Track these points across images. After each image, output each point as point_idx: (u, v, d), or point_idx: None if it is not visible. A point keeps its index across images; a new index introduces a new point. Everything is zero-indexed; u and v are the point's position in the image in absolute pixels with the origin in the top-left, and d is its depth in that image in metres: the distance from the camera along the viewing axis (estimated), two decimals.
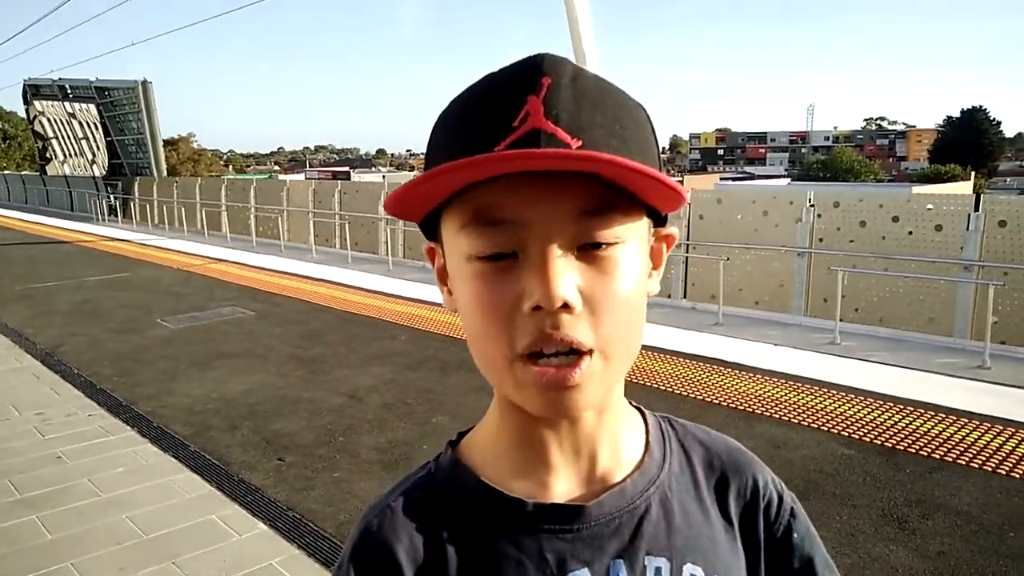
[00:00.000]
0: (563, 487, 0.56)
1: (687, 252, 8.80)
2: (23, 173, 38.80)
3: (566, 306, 0.47)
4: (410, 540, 0.56)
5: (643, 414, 0.63)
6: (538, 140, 0.46)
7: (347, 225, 15.43)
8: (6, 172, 42.07)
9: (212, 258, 12.58)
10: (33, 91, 30.91)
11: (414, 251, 14.65)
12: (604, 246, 0.48)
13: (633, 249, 0.50)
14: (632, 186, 0.47)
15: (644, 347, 3.57)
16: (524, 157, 0.44)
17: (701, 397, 5.12)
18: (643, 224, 0.52)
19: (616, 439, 0.58)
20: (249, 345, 6.71)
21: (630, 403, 0.62)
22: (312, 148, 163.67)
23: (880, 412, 4.73)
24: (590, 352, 0.48)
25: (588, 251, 0.48)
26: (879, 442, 4.26)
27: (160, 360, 6.26)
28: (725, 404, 4.96)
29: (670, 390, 5.29)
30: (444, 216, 0.52)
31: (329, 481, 3.93)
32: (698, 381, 5.48)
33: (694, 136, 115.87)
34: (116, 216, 24.36)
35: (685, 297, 8.79)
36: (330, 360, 6.22)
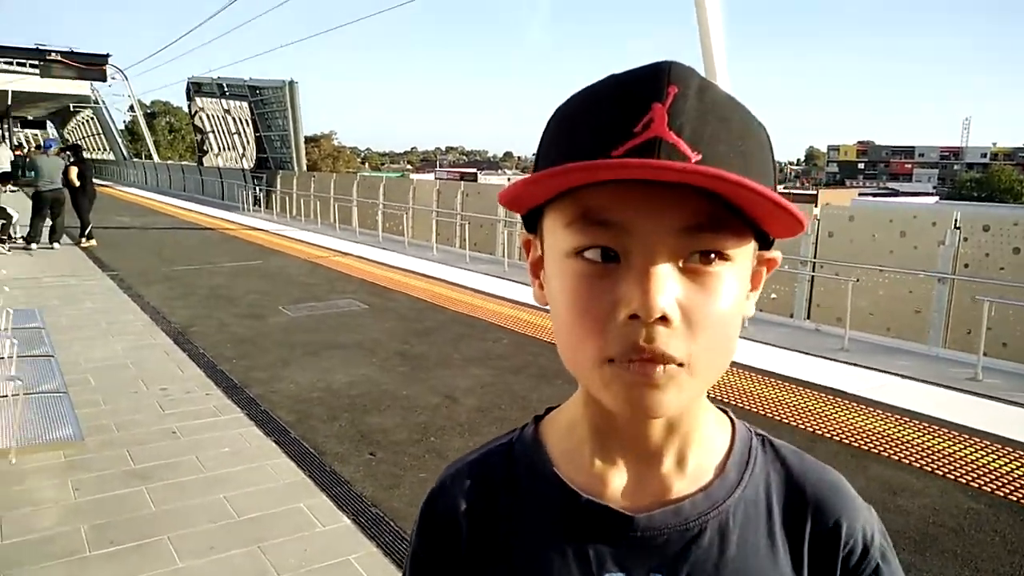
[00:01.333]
0: (623, 490, 0.57)
1: (813, 271, 8.26)
2: (183, 163, 42.47)
3: (664, 318, 0.47)
4: (472, 503, 0.61)
5: (734, 432, 0.61)
6: (657, 149, 0.45)
7: (467, 225, 15.75)
8: (169, 162, 46.22)
9: (338, 251, 13.18)
10: (195, 88, 33.75)
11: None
12: (709, 263, 0.49)
13: (737, 269, 0.50)
14: (748, 207, 0.46)
15: (755, 369, 3.35)
16: (646, 167, 0.44)
17: (811, 428, 4.76)
18: (750, 245, 0.51)
19: (685, 453, 0.57)
20: (359, 338, 6.93)
21: (728, 417, 0.62)
22: (443, 149, 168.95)
23: (1020, 464, 4.20)
24: (679, 364, 0.48)
25: (692, 266, 0.48)
26: (1015, 498, 3.77)
27: (276, 346, 6.59)
28: (838, 439, 4.58)
29: (779, 418, 4.95)
30: (549, 210, 0.52)
31: (415, 481, 3.95)
32: (811, 411, 5.09)
33: (833, 148, 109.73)
34: (259, 207, 26.14)
35: (808, 318, 8.25)
36: (433, 359, 6.31)
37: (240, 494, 3.66)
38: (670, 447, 0.57)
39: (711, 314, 0.48)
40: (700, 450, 0.58)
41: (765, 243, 0.53)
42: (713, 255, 0.48)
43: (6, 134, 42.11)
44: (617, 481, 0.57)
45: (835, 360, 6.59)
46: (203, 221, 18.73)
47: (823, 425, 4.83)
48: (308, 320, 7.69)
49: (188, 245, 14.13)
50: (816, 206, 9.99)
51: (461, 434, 4.60)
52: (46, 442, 2.85)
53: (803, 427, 4.80)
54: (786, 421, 4.91)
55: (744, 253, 0.50)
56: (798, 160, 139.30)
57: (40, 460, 3.76)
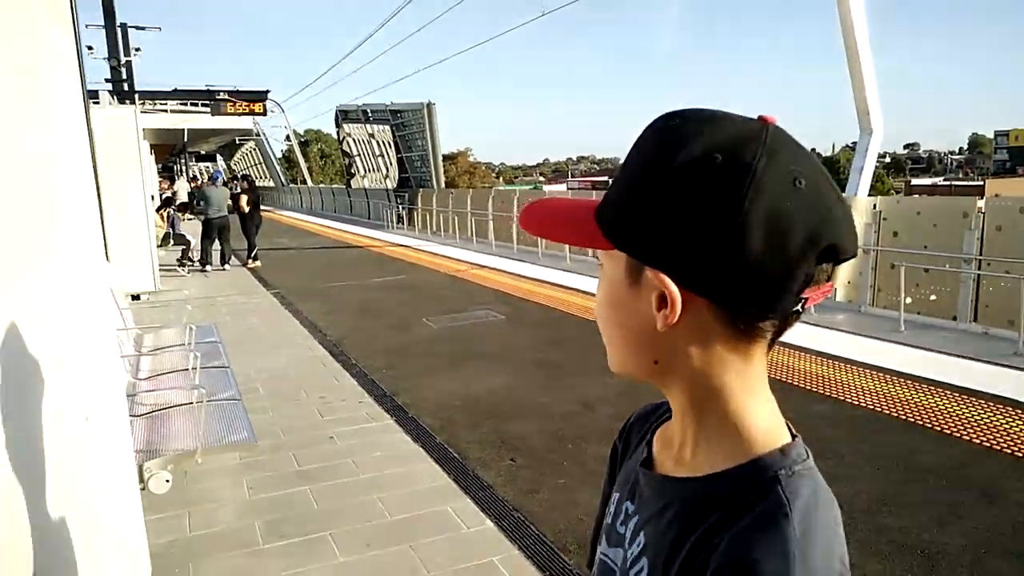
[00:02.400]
0: (658, 452, 0.74)
1: (979, 268, 7.55)
2: (333, 186, 45.46)
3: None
4: (631, 426, 0.87)
5: (759, 458, 0.62)
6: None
7: None
8: (321, 185, 49.64)
9: (476, 264, 13.61)
10: (343, 116, 35.99)
11: None
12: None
13: (606, 271, 0.68)
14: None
15: (915, 377, 3.19)
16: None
17: (982, 442, 4.36)
18: (617, 255, 0.65)
19: (691, 444, 0.67)
20: (497, 348, 7.14)
21: (779, 439, 0.65)
22: (575, 159, 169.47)
23: None
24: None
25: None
26: None
27: (421, 356, 6.93)
28: (1012, 452, 4.17)
29: (941, 429, 4.58)
30: None
31: (555, 487, 4.04)
32: (981, 422, 4.67)
33: (1001, 134, 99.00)
34: (402, 224, 27.45)
35: (975, 320, 7.54)
36: (568, 367, 6.38)
37: (391, 495, 3.90)
38: (682, 434, 0.68)
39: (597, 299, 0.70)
40: (705, 448, 0.66)
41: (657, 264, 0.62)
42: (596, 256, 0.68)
43: (183, 168, 47.12)
44: (659, 446, 0.74)
45: (1009, 366, 5.99)
46: (352, 240, 19.96)
47: (996, 438, 4.42)
48: (449, 331, 8.01)
49: (339, 263, 15.12)
50: (982, 197, 9.11)
51: (599, 441, 4.63)
52: (226, 444, 3.19)
53: (973, 440, 4.42)
54: (950, 432, 4.54)
55: (611, 260, 0.66)
56: (960, 149, 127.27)
57: (219, 461, 4.20)
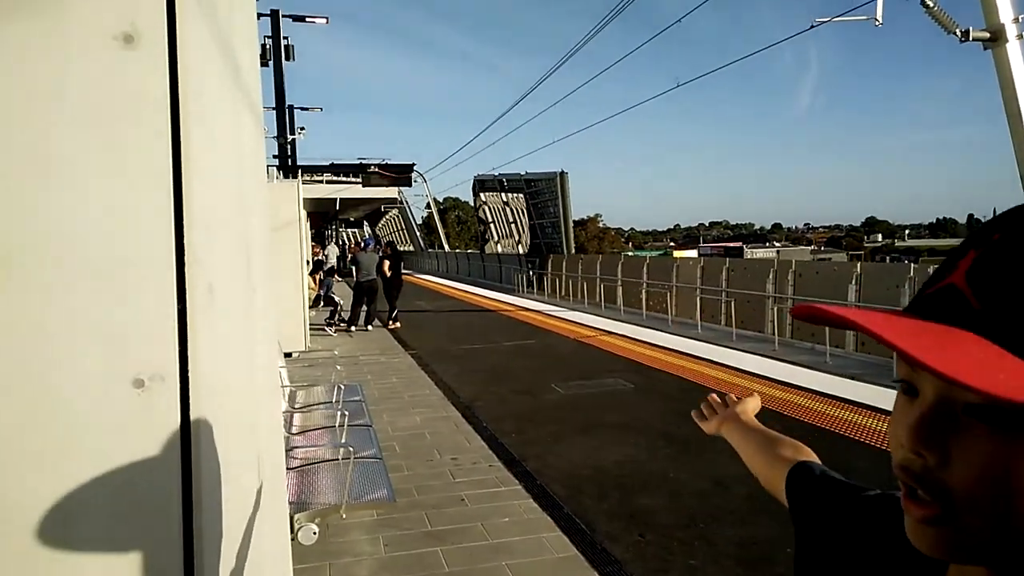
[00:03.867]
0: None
1: None
2: (468, 252, 47.23)
3: (920, 454, 0.48)
4: (819, 498, 0.82)
5: None
6: (947, 297, 0.47)
7: (733, 302, 15.30)
8: (457, 251, 51.71)
9: (604, 330, 13.61)
10: (480, 185, 37.64)
11: (802, 330, 13.82)
12: (972, 421, 0.46)
13: (1007, 437, 0.45)
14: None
15: None
16: (887, 331, 0.43)
17: None
18: None
19: None
20: (626, 417, 7.08)
21: None
22: (706, 224, 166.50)
23: None
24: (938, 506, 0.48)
25: (966, 418, 0.46)
26: None
27: (549, 422, 7.00)
28: None
29: None
30: None
31: (684, 567, 3.93)
32: None
33: None
34: (532, 288, 27.98)
35: None
36: (699, 442, 6.21)
37: (520, 563, 3.95)
38: None
39: (965, 472, 0.46)
40: None
41: None
42: (977, 412, 0.45)
43: (333, 233, 50.84)
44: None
45: None
46: (484, 303, 20.57)
47: None
48: (577, 398, 8.05)
49: (472, 325, 15.62)
50: None
51: (733, 523, 4.47)
52: (367, 501, 3.40)
53: None
54: None
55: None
56: None
57: (358, 516, 4.44)
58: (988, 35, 10.89)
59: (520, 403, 7.87)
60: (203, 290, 1.24)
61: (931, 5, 11.07)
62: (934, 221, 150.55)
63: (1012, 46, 10.72)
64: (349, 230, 63.50)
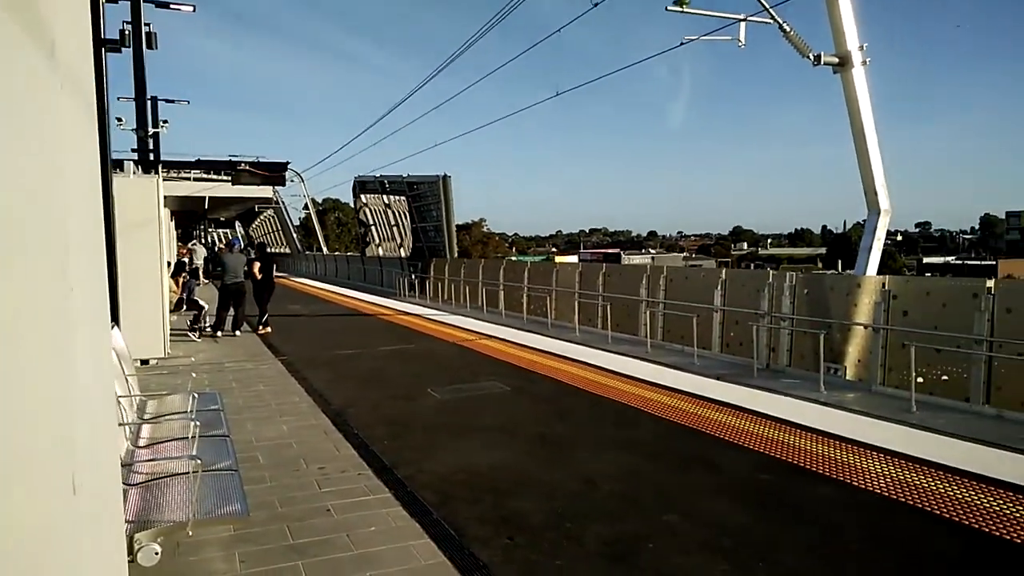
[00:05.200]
0: None
1: (989, 350, 7.49)
2: (348, 254, 46.13)
3: None
4: None
5: None
6: None
7: (609, 306, 15.76)
8: (336, 253, 50.37)
9: (484, 334, 13.62)
10: (361, 186, 36.81)
11: (672, 333, 14.43)
12: None
13: None
14: None
15: (924, 462, 3.22)
16: None
17: (1010, 535, 4.24)
18: None
19: None
20: (502, 420, 7.08)
21: None
22: (587, 231, 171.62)
23: None
24: None
25: None
26: None
27: (425, 428, 6.88)
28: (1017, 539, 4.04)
29: (969, 523, 4.46)
30: None
31: (551, 568, 3.94)
32: (1006, 515, 4.54)
33: (1012, 214, 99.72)
34: (415, 292, 27.66)
35: (988, 402, 7.42)
36: (573, 442, 6.31)
37: (385, 572, 3.82)
38: None
39: None
40: None
41: None
42: None
43: (203, 234, 48.11)
44: None
45: (1021, 451, 5.86)
46: (363, 307, 20.09)
47: (1006, 526, 4.29)
48: (454, 402, 7.97)
49: (349, 330, 15.19)
50: (993, 278, 9.10)
51: (600, 520, 4.53)
52: (218, 517, 3.16)
53: (1004, 536, 4.29)
54: (979, 527, 4.41)
55: None
56: (972, 228, 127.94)
57: (214, 532, 4.15)
58: (837, 60, 11.84)
59: (395, 409, 7.69)
60: None
61: (788, 31, 11.91)
62: (793, 231, 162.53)
63: (857, 71, 11.71)
64: (220, 230, 60.29)
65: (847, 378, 9.99)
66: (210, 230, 55.97)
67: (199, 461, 3.28)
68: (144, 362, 10.30)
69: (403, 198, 33.30)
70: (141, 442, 4.43)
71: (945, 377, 8.21)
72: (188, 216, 44.71)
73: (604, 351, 11.75)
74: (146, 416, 4.99)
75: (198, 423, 4.25)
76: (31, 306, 1.38)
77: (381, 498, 4.96)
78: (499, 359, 10.73)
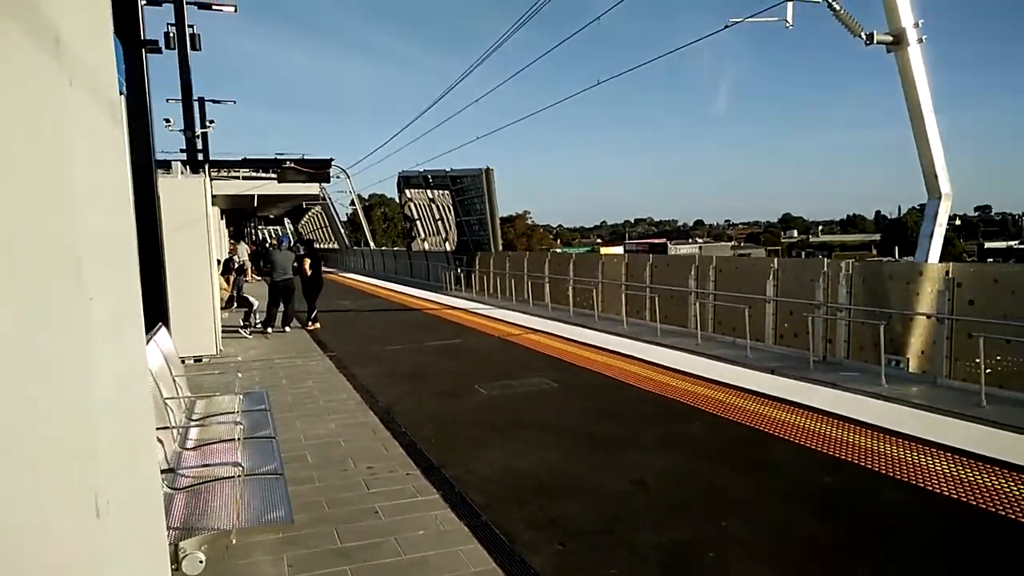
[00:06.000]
0: None
1: None
2: (395, 249, 46.51)
3: None
4: None
5: None
6: None
7: (657, 298, 15.46)
8: (383, 248, 50.84)
9: (530, 328, 13.49)
10: (405, 181, 37.03)
11: (723, 324, 14.07)
12: None
13: None
14: None
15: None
16: None
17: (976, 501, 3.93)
18: None
19: None
20: (548, 418, 6.94)
21: None
22: (632, 221, 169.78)
23: None
24: None
25: None
26: None
27: (471, 426, 6.79)
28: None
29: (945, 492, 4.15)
30: None
31: None
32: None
33: None
34: (460, 286, 27.72)
35: None
36: (621, 441, 6.13)
37: None
38: None
39: None
40: None
41: None
42: None
43: (253, 231, 49.11)
44: None
45: None
46: (409, 302, 20.16)
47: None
48: (501, 399, 7.86)
49: (396, 325, 15.24)
50: None
51: (653, 526, 4.36)
52: (261, 524, 3.10)
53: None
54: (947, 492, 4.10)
55: None
56: None
57: (261, 535, 4.11)
58: (891, 38, 11.31)
59: (442, 406, 7.62)
60: None
61: (838, 8, 11.41)
62: (845, 217, 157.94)
63: (913, 49, 11.16)
64: (270, 227, 61.52)
65: (910, 370, 9.57)
66: (260, 227, 57.12)
67: (242, 467, 3.23)
68: (197, 359, 10.49)
69: (447, 192, 33.37)
70: (189, 443, 4.43)
71: (1016, 369, 7.77)
72: (238, 214, 45.63)
73: (652, 344, 11.51)
74: (194, 417, 5.00)
75: (244, 425, 4.23)
76: (32, 320, 1.29)
77: (429, 499, 4.88)
78: (545, 354, 10.58)
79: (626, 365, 9.41)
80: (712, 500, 4.76)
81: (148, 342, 4.71)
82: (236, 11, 20.31)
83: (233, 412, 4.96)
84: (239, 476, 3.50)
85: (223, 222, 25.75)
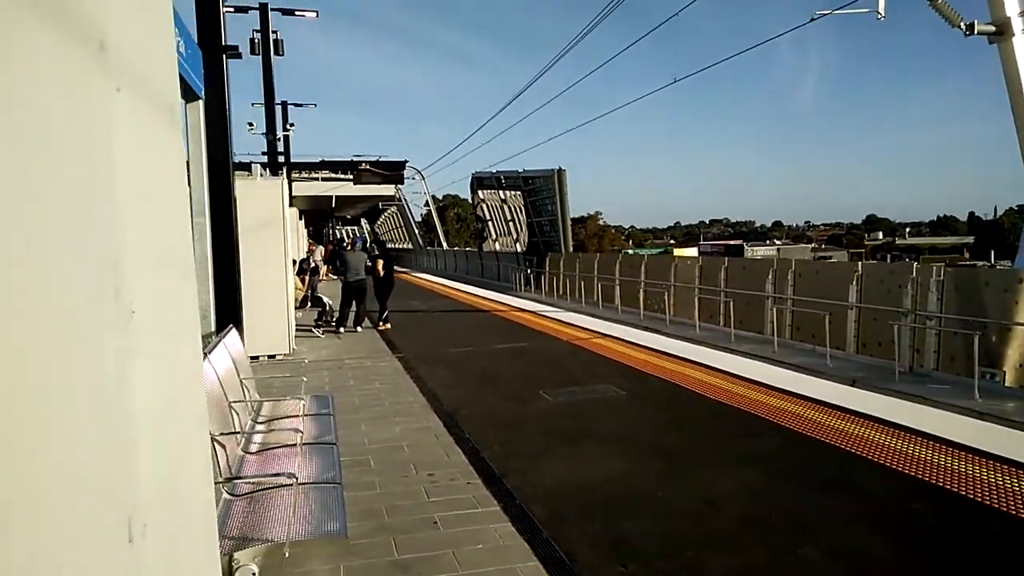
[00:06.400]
0: None
1: None
2: (466, 249, 46.93)
3: None
4: None
5: None
6: None
7: (732, 303, 14.96)
8: (456, 248, 51.40)
9: (598, 332, 13.25)
10: (478, 182, 37.29)
11: (801, 331, 13.48)
12: None
13: None
14: None
15: None
16: None
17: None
18: None
19: None
20: (615, 428, 6.75)
21: None
22: (707, 222, 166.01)
23: None
24: None
25: None
26: None
27: (535, 433, 6.66)
28: None
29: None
30: None
31: None
32: None
33: None
34: (530, 287, 27.67)
35: None
36: (691, 455, 5.88)
37: None
38: None
39: None
40: None
41: None
42: None
43: (331, 231, 50.56)
44: None
45: None
46: (478, 303, 20.22)
47: None
48: (566, 406, 7.71)
49: (465, 327, 15.28)
50: None
51: (723, 549, 4.13)
52: (315, 536, 3.06)
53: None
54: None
55: None
56: None
57: (318, 544, 4.11)
58: (994, 29, 10.54)
59: (507, 412, 7.53)
60: None
61: None
62: (935, 219, 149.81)
63: (1019, 40, 10.36)
64: (347, 227, 63.12)
65: (1006, 384, 8.89)
66: (338, 227, 58.69)
67: (297, 477, 3.20)
68: (271, 358, 10.76)
69: (519, 193, 33.40)
70: (253, 447, 4.47)
71: None
72: (317, 215, 47.07)
73: (726, 351, 11.11)
74: (260, 420, 5.06)
75: (307, 430, 4.24)
76: (70, 334, 1.23)
77: (490, 511, 4.78)
78: (613, 359, 10.36)
79: (697, 373, 9.09)
80: (788, 524, 4.48)
81: (216, 345, 4.80)
82: (317, 16, 20.88)
83: (298, 416, 4.99)
84: (297, 484, 3.49)
85: (302, 223, 26.59)
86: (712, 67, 15.18)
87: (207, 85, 6.92)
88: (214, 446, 3.55)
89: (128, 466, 1.59)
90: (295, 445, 4.25)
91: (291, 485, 3.56)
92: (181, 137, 2.22)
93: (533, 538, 4.33)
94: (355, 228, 62.57)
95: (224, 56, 7.02)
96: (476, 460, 5.86)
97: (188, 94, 6.04)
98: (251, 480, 3.65)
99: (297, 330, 13.38)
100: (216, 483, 3.43)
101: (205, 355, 4.26)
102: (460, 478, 5.45)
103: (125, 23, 1.67)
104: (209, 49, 6.93)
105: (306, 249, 29.99)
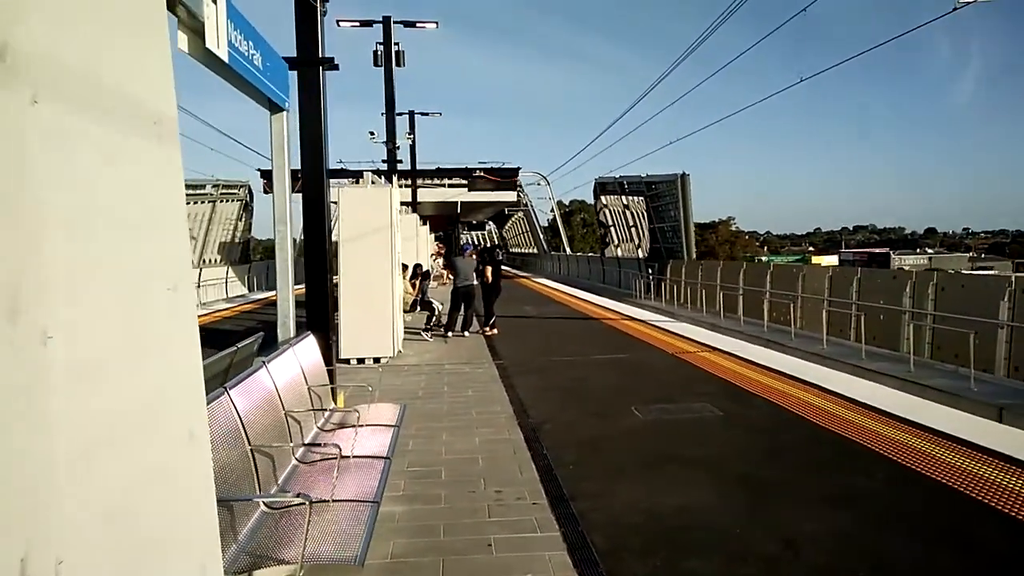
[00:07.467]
0: None
1: None
2: (588, 255, 46.60)
3: None
4: None
5: None
6: None
7: (863, 317, 13.78)
8: (578, 254, 51.15)
9: (707, 345, 12.55)
10: (601, 188, 36.95)
11: (943, 350, 12.16)
12: None
13: None
14: None
15: None
16: None
17: None
18: None
19: None
20: (703, 452, 6.28)
21: None
22: (850, 228, 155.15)
23: None
24: None
25: None
26: None
27: (616, 452, 6.34)
28: None
29: None
30: None
31: None
32: None
33: None
34: (651, 295, 26.98)
35: None
36: (781, 488, 5.34)
37: None
38: None
39: None
40: None
41: None
42: None
43: (458, 236, 51.92)
44: None
45: None
46: (590, 311, 19.88)
47: None
48: (655, 424, 7.30)
49: (570, 335, 15.03)
50: None
51: None
52: (328, 562, 2.97)
53: None
54: None
55: None
56: None
57: (369, 558, 4.05)
58: None
59: (591, 428, 7.24)
60: None
61: None
62: None
63: None
64: (474, 232, 64.52)
65: None
66: (464, 232, 60.11)
67: (332, 495, 3.14)
68: (376, 360, 11.05)
69: (641, 198, 32.77)
70: (314, 457, 4.49)
71: None
72: (444, 220, 48.42)
73: (851, 373, 10.18)
74: (327, 428, 5.11)
75: (360, 444, 4.21)
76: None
77: (548, 537, 4.54)
78: (718, 376, 9.75)
79: (807, 395, 8.34)
80: None
81: (282, 352, 4.89)
82: (438, 27, 21.41)
83: (364, 426, 4.99)
84: (332, 500, 3.44)
85: (425, 228, 27.38)
86: (841, 64, 14.05)
87: (303, 96, 7.18)
88: (254, 458, 3.57)
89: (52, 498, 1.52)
90: (348, 457, 4.23)
91: (327, 501, 3.52)
92: (172, 149, 2.16)
93: (588, 571, 4.06)
94: (480, 232, 63.84)
95: (321, 68, 7.23)
96: (548, 479, 5.64)
97: (272, 107, 6.26)
98: (291, 494, 3.64)
99: (406, 333, 13.71)
100: (255, 498, 3.44)
101: (264, 363, 4.33)
102: (528, 497, 5.25)
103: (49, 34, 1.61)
104: (306, 61, 7.18)
105: (435, 252, 30.81)
